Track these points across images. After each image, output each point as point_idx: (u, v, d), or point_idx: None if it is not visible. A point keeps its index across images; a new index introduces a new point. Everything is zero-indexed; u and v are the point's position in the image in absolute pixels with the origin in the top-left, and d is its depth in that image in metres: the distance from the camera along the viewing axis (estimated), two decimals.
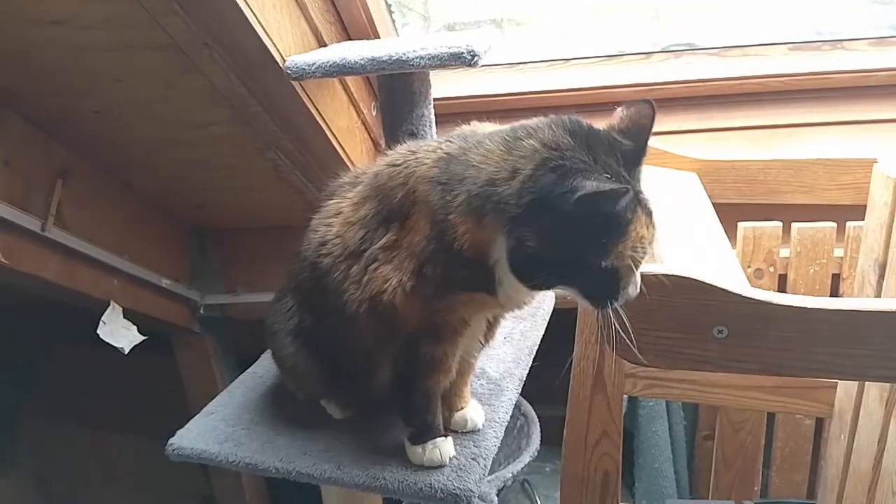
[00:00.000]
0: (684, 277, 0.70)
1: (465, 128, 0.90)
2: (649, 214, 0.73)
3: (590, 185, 0.69)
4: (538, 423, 1.69)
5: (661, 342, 0.73)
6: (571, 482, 1.38)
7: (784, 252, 1.43)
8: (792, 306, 0.69)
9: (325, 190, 1.02)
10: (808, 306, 0.69)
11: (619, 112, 0.79)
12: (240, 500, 2.12)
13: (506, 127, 0.83)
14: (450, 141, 0.85)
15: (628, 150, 0.76)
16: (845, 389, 1.22)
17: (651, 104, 0.78)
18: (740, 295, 0.69)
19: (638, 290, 0.73)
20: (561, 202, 0.71)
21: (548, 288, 0.78)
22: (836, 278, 1.46)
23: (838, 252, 1.43)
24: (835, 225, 1.39)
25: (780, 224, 1.41)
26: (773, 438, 1.57)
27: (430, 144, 0.87)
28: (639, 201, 0.73)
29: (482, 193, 0.77)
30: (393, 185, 0.87)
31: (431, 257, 0.82)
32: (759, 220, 1.40)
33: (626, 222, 0.71)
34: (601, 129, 0.79)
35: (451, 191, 0.80)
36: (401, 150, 0.91)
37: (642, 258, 0.72)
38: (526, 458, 1.58)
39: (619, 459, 1.36)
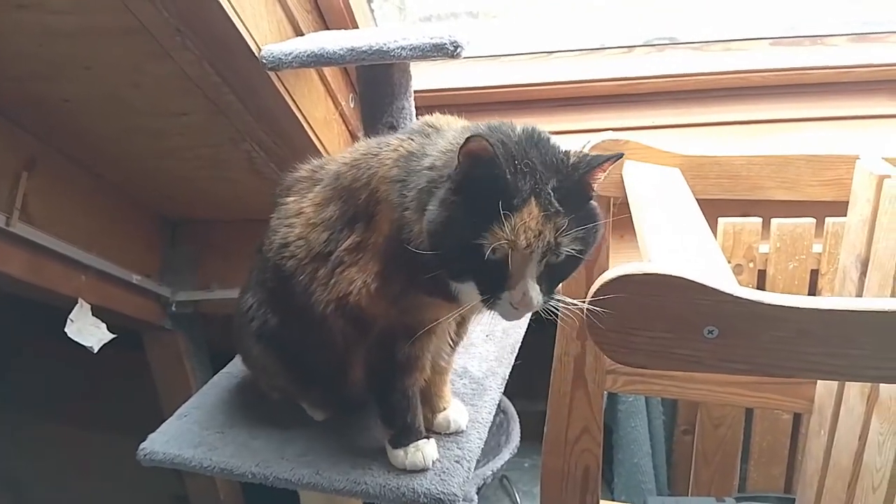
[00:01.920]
0: (674, 276, 0.68)
1: (427, 118, 0.88)
2: (548, 214, 0.72)
3: (475, 139, 0.70)
4: (518, 420, 1.68)
5: (652, 342, 0.71)
6: (552, 478, 1.37)
7: (763, 248, 1.43)
8: (784, 306, 0.67)
9: (281, 184, 1.00)
10: (801, 306, 0.67)
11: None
12: (213, 500, 2.08)
13: (472, 124, 0.82)
14: (411, 138, 0.84)
15: (571, 173, 0.75)
16: (825, 385, 1.22)
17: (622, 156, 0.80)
18: (731, 294, 0.68)
19: (526, 303, 0.74)
20: (456, 170, 0.73)
21: (459, 280, 0.77)
22: (814, 274, 1.46)
23: (817, 248, 1.44)
24: (814, 221, 1.40)
25: (759, 220, 1.41)
26: (751, 433, 1.57)
27: (391, 142, 0.86)
28: (538, 195, 0.72)
29: (427, 187, 0.77)
30: (357, 186, 0.85)
31: (393, 257, 0.81)
32: (738, 216, 1.41)
33: (510, 197, 0.71)
34: (559, 147, 0.78)
35: (407, 187, 0.79)
36: (361, 148, 0.90)
37: (526, 251, 0.72)
38: (506, 456, 1.56)
39: (600, 455, 1.35)
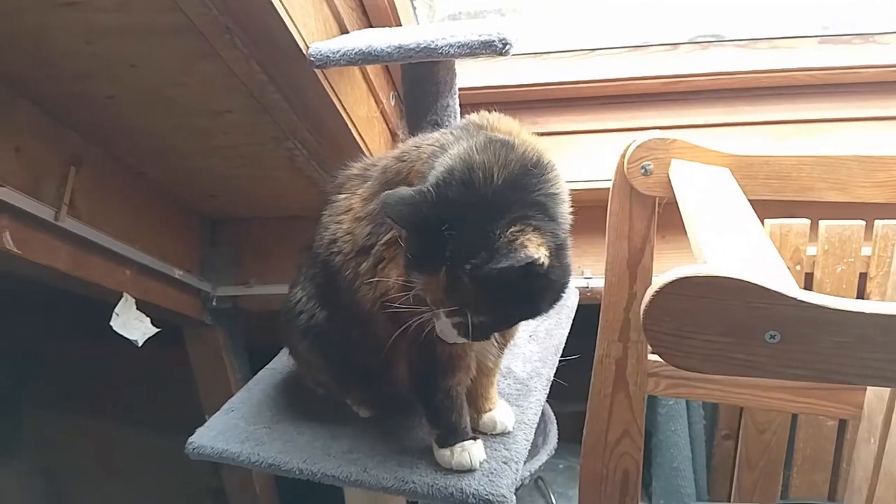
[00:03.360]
0: (735, 279, 0.67)
1: (474, 116, 0.87)
2: (455, 288, 0.72)
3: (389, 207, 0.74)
4: (555, 421, 1.66)
5: (709, 346, 0.69)
6: (590, 481, 1.36)
7: (811, 250, 1.40)
8: (848, 311, 0.65)
9: (334, 182, 1.00)
10: (866, 311, 0.66)
11: None
12: (249, 494, 2.10)
13: (496, 137, 0.80)
14: (452, 133, 0.84)
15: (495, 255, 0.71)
16: (875, 391, 1.19)
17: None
18: (795, 298, 0.66)
19: (444, 335, 0.78)
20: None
21: None
22: (863, 277, 1.43)
23: (866, 251, 1.40)
24: (863, 223, 1.37)
25: (807, 221, 1.38)
26: (794, 439, 1.54)
27: (434, 136, 0.86)
28: (450, 268, 0.72)
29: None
30: (398, 180, 0.86)
31: None
32: (784, 218, 1.38)
33: (422, 261, 0.74)
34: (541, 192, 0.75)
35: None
36: (408, 143, 0.90)
37: (432, 305, 0.75)
38: (544, 457, 1.55)
39: (640, 459, 1.34)
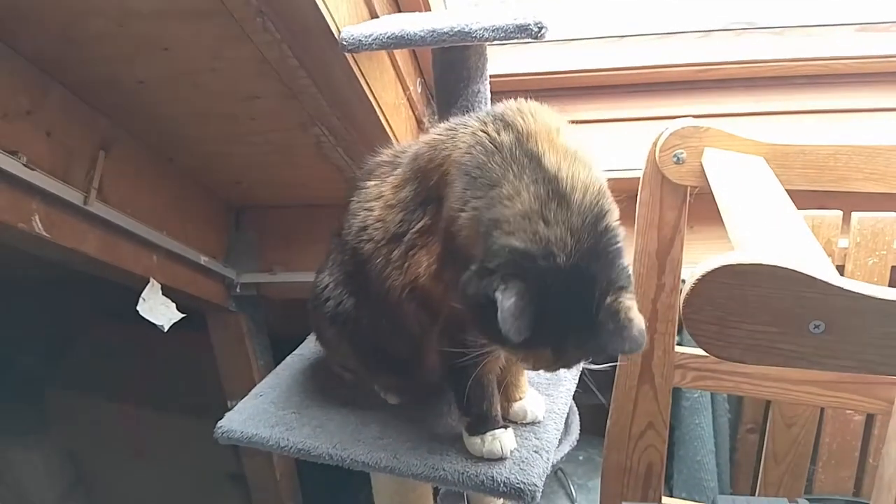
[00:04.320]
0: (780, 267, 0.65)
1: (510, 105, 0.84)
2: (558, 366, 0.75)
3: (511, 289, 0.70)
4: (577, 412, 1.66)
5: (752, 336, 0.68)
6: (614, 473, 1.35)
7: (842, 242, 1.38)
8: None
9: (363, 168, 0.99)
10: None
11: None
12: (270, 479, 2.12)
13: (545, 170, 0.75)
14: (492, 124, 0.80)
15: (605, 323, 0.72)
16: None
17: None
18: (841, 288, 0.64)
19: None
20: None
21: None
22: (894, 271, 1.40)
23: None
24: None
25: (840, 213, 1.36)
26: (821, 434, 1.52)
27: (469, 123, 0.83)
28: (556, 348, 0.73)
29: (487, 221, 0.74)
30: (431, 167, 0.84)
31: (445, 244, 0.81)
32: (815, 209, 1.35)
33: (529, 340, 0.71)
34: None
35: (473, 187, 0.76)
36: (441, 129, 0.88)
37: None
38: (566, 448, 1.54)
39: (665, 452, 1.33)
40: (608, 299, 0.71)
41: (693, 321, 0.70)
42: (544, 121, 0.80)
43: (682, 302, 0.69)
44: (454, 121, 0.87)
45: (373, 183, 0.94)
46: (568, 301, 0.70)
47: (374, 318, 0.94)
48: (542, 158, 0.74)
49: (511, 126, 0.79)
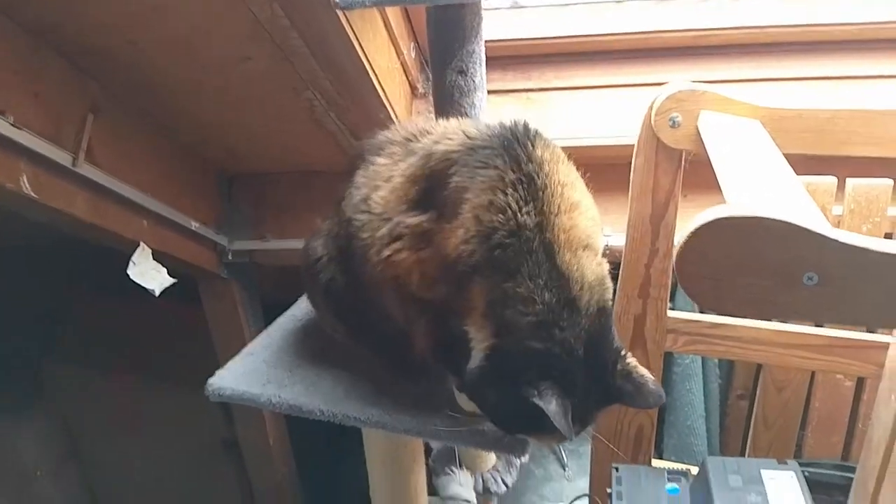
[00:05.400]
0: (774, 219, 0.65)
1: (528, 149, 0.80)
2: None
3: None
4: None
5: (746, 290, 0.68)
6: (604, 436, 1.36)
7: (836, 210, 1.38)
8: (893, 254, 0.64)
9: (371, 141, 0.97)
10: None
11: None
12: (263, 445, 2.13)
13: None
14: (514, 186, 0.77)
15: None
16: None
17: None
18: (836, 240, 0.64)
19: None
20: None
21: None
22: (888, 238, 1.41)
23: (892, 211, 1.38)
24: (891, 182, 1.34)
25: (834, 179, 1.36)
26: (810, 398, 1.54)
27: (491, 162, 0.79)
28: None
29: (501, 294, 0.77)
30: (444, 181, 0.82)
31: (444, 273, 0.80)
32: (811, 175, 1.35)
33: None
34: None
35: (489, 269, 0.77)
36: (458, 138, 0.85)
37: None
38: None
39: (655, 417, 1.34)
40: (618, 366, 0.78)
41: (687, 276, 0.70)
42: (558, 178, 0.80)
43: (675, 256, 0.69)
44: (470, 132, 0.85)
45: (382, 161, 0.91)
46: (587, 379, 0.76)
47: (363, 303, 0.93)
48: (556, 257, 0.77)
49: (532, 195, 0.77)
